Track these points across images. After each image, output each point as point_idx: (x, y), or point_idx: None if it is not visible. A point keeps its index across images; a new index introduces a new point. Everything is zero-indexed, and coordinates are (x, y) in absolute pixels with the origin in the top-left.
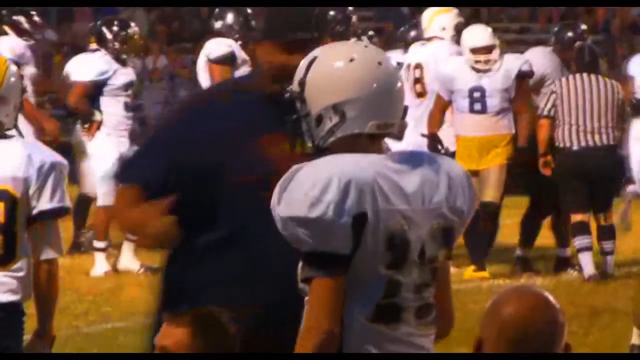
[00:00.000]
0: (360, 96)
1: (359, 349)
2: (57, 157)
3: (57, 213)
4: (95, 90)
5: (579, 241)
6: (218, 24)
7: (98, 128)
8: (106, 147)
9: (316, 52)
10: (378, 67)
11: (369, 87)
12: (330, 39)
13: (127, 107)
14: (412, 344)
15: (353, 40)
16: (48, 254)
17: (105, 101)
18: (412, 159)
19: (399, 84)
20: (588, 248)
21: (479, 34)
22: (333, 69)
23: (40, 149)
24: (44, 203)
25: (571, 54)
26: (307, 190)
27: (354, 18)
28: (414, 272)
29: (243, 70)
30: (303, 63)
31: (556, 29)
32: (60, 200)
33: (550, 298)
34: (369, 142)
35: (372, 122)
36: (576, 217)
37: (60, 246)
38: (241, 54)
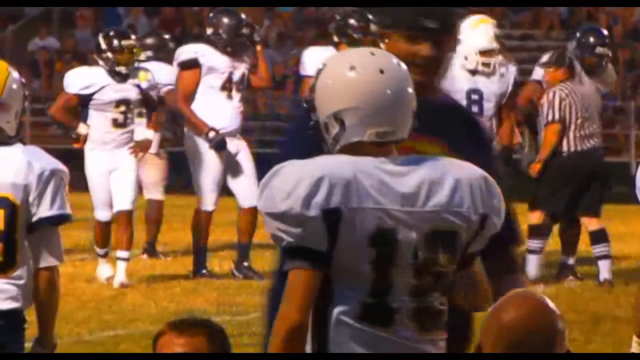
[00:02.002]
0: (358, 105)
1: (347, 348)
2: (58, 164)
3: (57, 220)
4: (79, 103)
5: (534, 244)
6: (209, 31)
7: (85, 141)
8: (89, 162)
9: (327, 59)
10: (379, 75)
11: (367, 95)
12: (349, 46)
13: (116, 123)
14: (412, 348)
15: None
16: (48, 261)
17: (91, 115)
18: (416, 162)
19: (405, 91)
20: (539, 251)
21: (488, 36)
22: (333, 77)
23: (41, 155)
24: (44, 210)
25: (592, 59)
26: (281, 185)
27: (374, 27)
28: (407, 273)
29: (208, 78)
30: (317, 70)
31: (578, 34)
32: (61, 207)
33: (550, 304)
34: (375, 150)
35: (371, 130)
36: (536, 217)
37: (61, 253)
38: (210, 61)
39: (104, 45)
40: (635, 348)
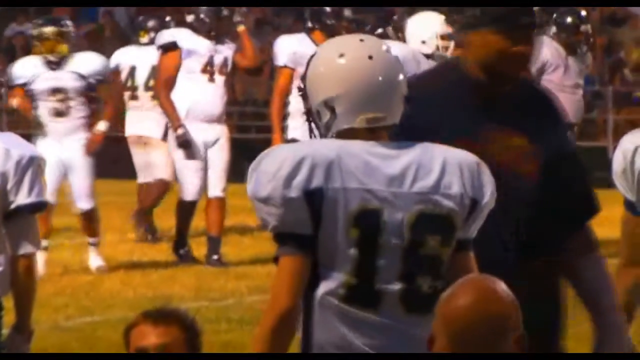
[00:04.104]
0: (347, 91)
1: (333, 330)
2: (36, 151)
3: (35, 207)
4: (25, 93)
5: None
6: (190, 17)
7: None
8: (39, 150)
9: (319, 47)
10: (367, 61)
11: (355, 82)
12: (322, 32)
13: (57, 112)
14: (401, 332)
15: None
16: (26, 248)
17: (36, 105)
18: (406, 146)
19: (395, 76)
20: None
21: (443, 21)
22: (323, 64)
23: (18, 142)
24: (22, 197)
25: (576, 38)
26: (266, 168)
27: (347, 12)
28: (394, 255)
29: (188, 62)
30: (309, 58)
31: (555, 15)
32: (38, 194)
33: (501, 291)
34: (367, 136)
35: (361, 116)
36: None
37: (39, 240)
38: (189, 44)
39: (34, 33)
40: None
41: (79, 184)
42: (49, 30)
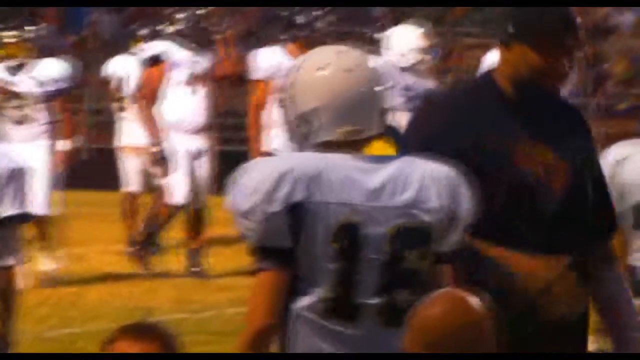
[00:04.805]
0: (326, 104)
1: (311, 344)
2: (21, 162)
3: (20, 218)
4: None
5: None
6: (171, 28)
7: None
8: None
9: (298, 58)
10: (347, 74)
11: (334, 95)
12: (299, 44)
13: (16, 120)
14: (380, 346)
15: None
16: (8, 260)
17: None
18: (385, 160)
19: (373, 89)
20: None
21: (422, 35)
22: (302, 77)
23: (4, 152)
24: (7, 209)
25: None
26: (247, 182)
27: (321, 23)
28: (373, 270)
29: (173, 74)
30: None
31: None
32: (24, 205)
33: (471, 301)
34: (345, 148)
35: (339, 129)
36: None
37: (21, 252)
38: (174, 56)
39: None
40: (591, 347)
41: (36, 189)
42: (8, 34)
